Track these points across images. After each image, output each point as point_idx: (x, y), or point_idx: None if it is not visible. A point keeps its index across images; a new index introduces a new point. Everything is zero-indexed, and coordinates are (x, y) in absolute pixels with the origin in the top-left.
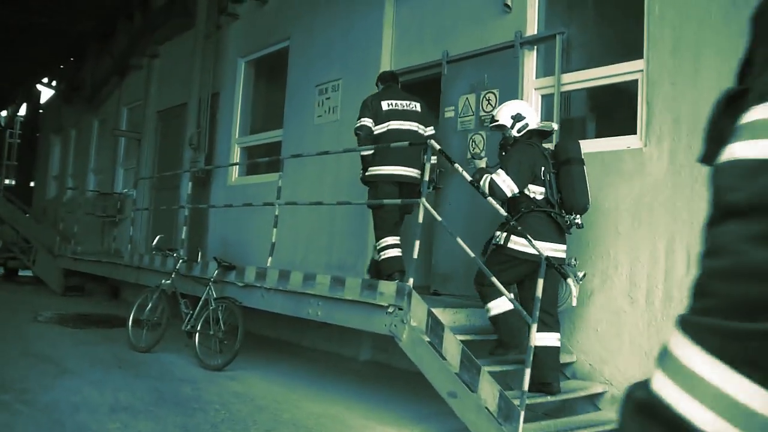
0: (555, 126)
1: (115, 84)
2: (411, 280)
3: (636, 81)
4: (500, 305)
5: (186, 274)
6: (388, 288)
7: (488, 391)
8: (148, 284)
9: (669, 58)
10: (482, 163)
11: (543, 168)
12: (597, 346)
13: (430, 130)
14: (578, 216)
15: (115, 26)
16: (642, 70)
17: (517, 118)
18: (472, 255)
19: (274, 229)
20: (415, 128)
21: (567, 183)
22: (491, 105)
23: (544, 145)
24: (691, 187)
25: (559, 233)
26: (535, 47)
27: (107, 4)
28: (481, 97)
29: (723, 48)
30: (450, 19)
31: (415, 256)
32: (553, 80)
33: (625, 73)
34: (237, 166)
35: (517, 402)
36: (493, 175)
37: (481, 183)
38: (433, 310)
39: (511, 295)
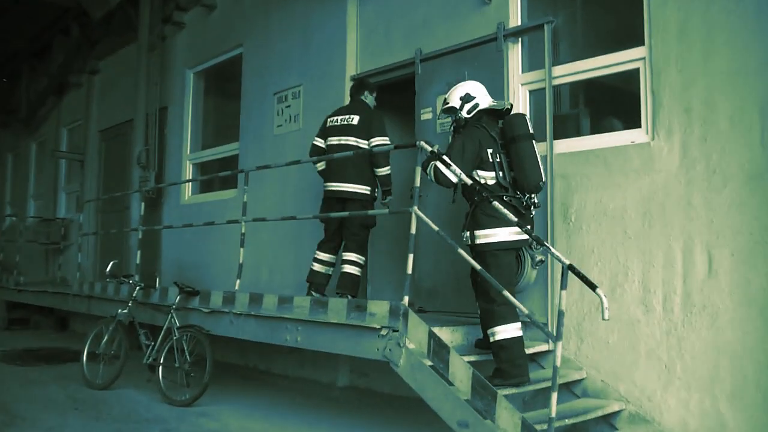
0: (508, 104)
1: (53, 104)
2: (406, 299)
3: (637, 70)
4: (508, 331)
5: (144, 301)
6: (380, 308)
7: (507, 420)
8: (101, 314)
9: (675, 43)
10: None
11: (491, 150)
12: (609, 360)
13: (376, 141)
14: (534, 195)
15: (51, 42)
16: (644, 58)
17: (466, 98)
18: (478, 268)
19: (242, 249)
20: (352, 143)
21: (516, 161)
22: None
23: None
24: (709, 182)
25: (517, 216)
26: (520, 39)
27: (41, 19)
28: None
29: (736, 28)
30: (422, 15)
31: (410, 271)
32: (542, 74)
33: (624, 63)
34: (190, 184)
35: (541, 426)
36: (437, 162)
37: (428, 170)
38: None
39: (519, 324)
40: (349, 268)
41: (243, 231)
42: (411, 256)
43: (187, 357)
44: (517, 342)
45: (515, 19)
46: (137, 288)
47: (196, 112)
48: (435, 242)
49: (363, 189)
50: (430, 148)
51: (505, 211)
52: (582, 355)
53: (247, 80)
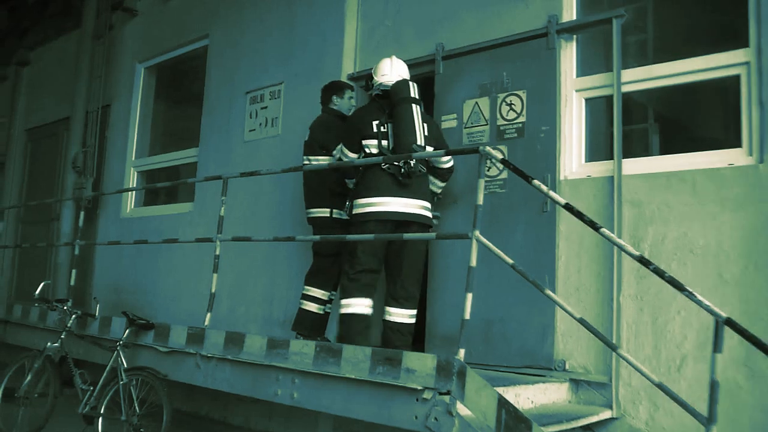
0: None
1: None
2: (462, 352)
3: (736, 77)
4: (355, 305)
5: (81, 333)
6: (422, 363)
7: None
8: (18, 344)
9: None
10: None
11: (377, 121)
12: None
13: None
14: (412, 161)
15: None
16: (748, 63)
17: (368, 77)
18: (577, 317)
19: (215, 275)
20: (305, 162)
21: (393, 127)
22: (515, 111)
23: None
24: None
25: (398, 186)
26: (575, 37)
27: None
28: (499, 101)
29: None
30: (444, 4)
31: (467, 315)
32: (605, 79)
33: (719, 68)
34: (133, 195)
35: None
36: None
37: None
38: None
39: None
40: (304, 304)
41: (217, 252)
42: (469, 296)
43: (137, 407)
44: (360, 319)
45: (569, 12)
46: (73, 316)
47: (145, 113)
48: (457, 275)
49: (321, 212)
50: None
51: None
52: (657, 427)
53: (213, 77)
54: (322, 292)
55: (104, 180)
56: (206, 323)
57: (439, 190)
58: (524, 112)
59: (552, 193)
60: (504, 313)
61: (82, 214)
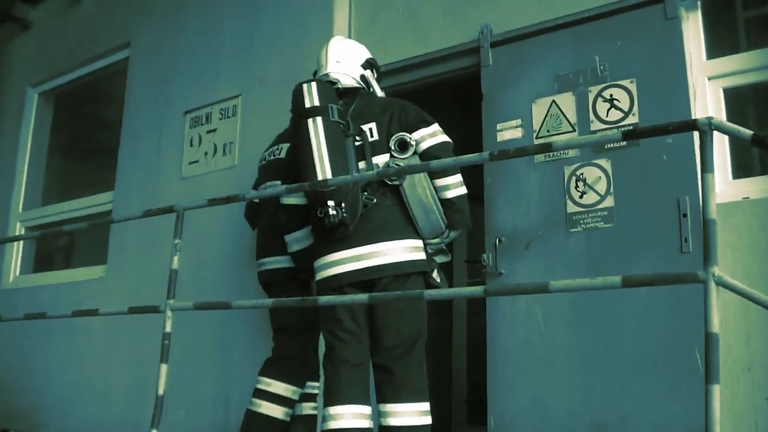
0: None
1: None
2: None
3: None
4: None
5: None
6: None
7: None
8: None
9: None
10: None
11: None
12: None
13: None
14: (330, 205)
15: None
16: None
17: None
18: None
19: (163, 367)
20: None
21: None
22: (620, 110)
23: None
24: None
25: (328, 237)
26: (699, 4)
27: None
28: (593, 97)
29: None
30: None
31: (717, 426)
32: (749, 60)
33: None
34: (18, 260)
35: None
36: None
37: None
38: None
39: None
40: (257, 405)
41: (168, 329)
42: (716, 390)
43: None
44: None
45: None
46: None
47: (37, 150)
48: (534, 355)
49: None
50: None
51: None
52: None
53: (135, 95)
54: (288, 386)
55: None
56: None
57: (437, 240)
58: (635, 110)
59: None
60: (626, 410)
61: None
